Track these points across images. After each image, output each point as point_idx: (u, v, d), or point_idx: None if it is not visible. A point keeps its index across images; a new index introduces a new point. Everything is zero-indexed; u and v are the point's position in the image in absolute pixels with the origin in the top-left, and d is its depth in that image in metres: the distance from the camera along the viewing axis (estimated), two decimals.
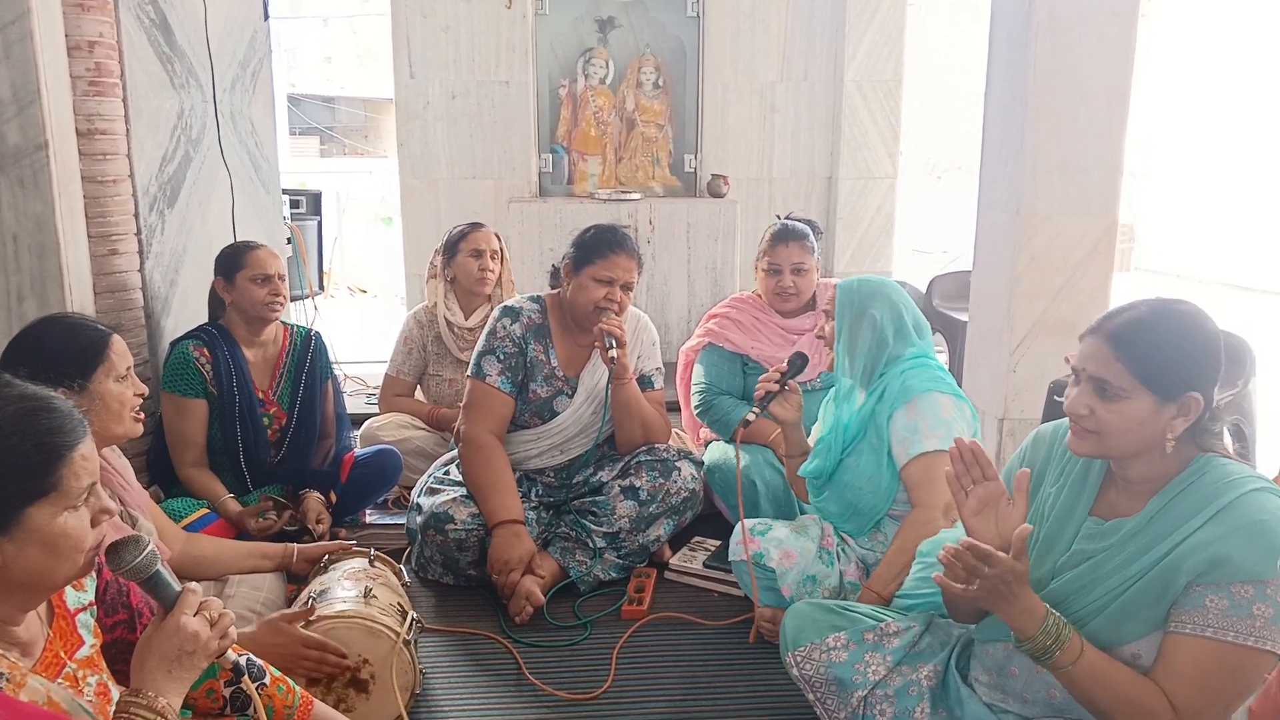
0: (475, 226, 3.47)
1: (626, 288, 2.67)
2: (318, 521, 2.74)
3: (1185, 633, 1.33)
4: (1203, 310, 1.43)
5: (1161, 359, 1.38)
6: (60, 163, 2.49)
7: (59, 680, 1.15)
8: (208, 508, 2.61)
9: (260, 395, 2.81)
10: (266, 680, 1.43)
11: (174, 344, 2.78)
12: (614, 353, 2.58)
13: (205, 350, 2.72)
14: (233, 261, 2.77)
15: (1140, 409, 1.38)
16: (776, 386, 2.31)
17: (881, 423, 2.21)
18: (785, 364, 2.35)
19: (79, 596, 1.27)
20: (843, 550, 2.31)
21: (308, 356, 2.90)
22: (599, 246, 2.65)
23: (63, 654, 1.19)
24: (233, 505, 2.64)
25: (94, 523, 1.16)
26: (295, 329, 2.96)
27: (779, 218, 3.15)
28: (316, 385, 2.90)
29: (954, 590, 1.43)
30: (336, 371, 3.18)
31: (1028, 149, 3.00)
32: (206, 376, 2.71)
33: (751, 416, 2.32)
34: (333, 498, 2.88)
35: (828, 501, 2.33)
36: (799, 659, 1.75)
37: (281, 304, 2.80)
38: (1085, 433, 1.44)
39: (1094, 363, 1.42)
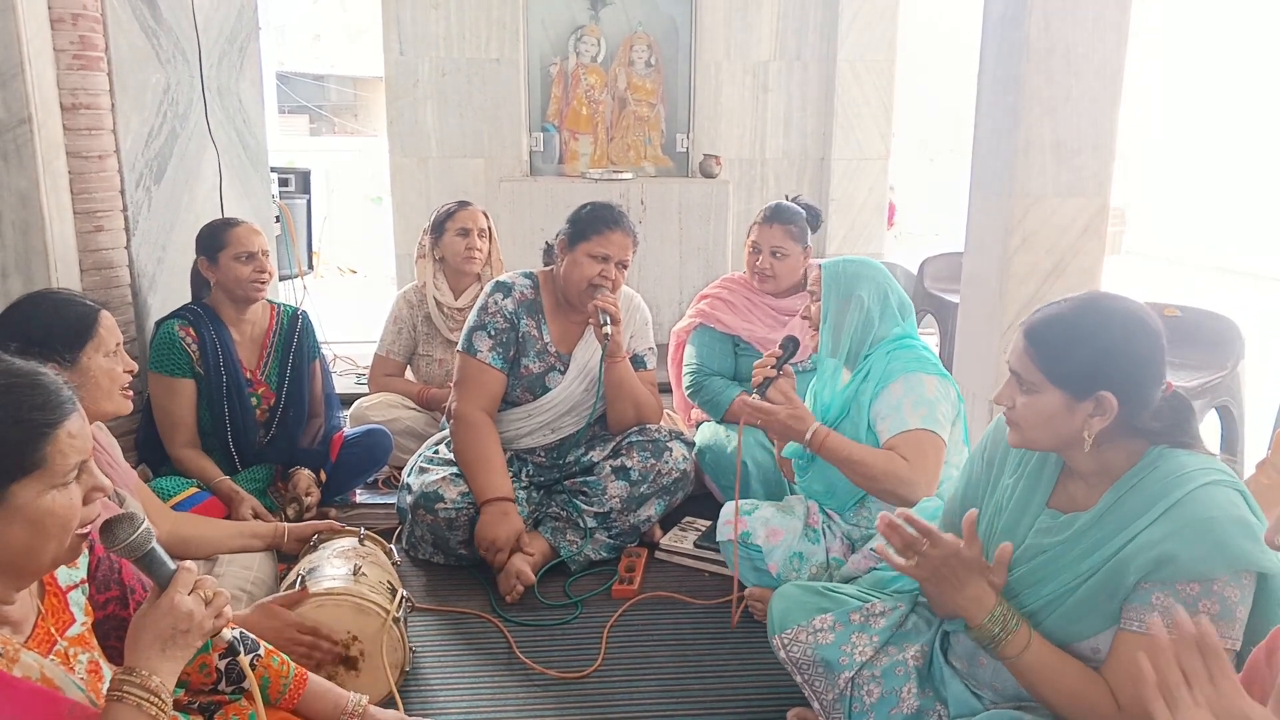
0: (462, 205, 3.45)
1: (621, 265, 2.66)
2: (306, 493, 2.73)
3: (1132, 629, 1.33)
4: (1138, 308, 1.41)
5: (1069, 357, 1.38)
6: (44, 137, 2.46)
7: (50, 657, 1.14)
8: (197, 486, 2.60)
9: (248, 375, 2.79)
10: (260, 653, 1.42)
11: (159, 324, 2.75)
12: (608, 329, 2.57)
13: (191, 330, 2.70)
14: (215, 240, 2.73)
15: (1050, 404, 1.40)
16: (774, 372, 2.29)
17: (864, 402, 2.21)
18: (780, 349, 2.33)
19: (71, 574, 1.27)
20: (828, 527, 2.31)
21: (294, 335, 2.88)
22: (594, 223, 2.64)
23: (54, 631, 1.18)
24: (227, 486, 2.63)
25: (86, 500, 1.15)
26: (282, 308, 2.93)
27: (786, 197, 3.13)
28: (304, 364, 2.88)
29: (894, 564, 1.43)
30: (325, 351, 3.16)
31: (1020, 129, 2.99)
32: (193, 356, 2.69)
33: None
34: (322, 476, 2.87)
35: (812, 480, 2.34)
36: (786, 641, 1.76)
37: (266, 281, 2.76)
38: (1011, 423, 1.47)
39: (1014, 356, 1.45)
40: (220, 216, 3.33)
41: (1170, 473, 1.37)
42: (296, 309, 2.95)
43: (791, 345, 2.33)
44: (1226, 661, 1.02)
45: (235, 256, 2.71)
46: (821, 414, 2.30)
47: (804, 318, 2.34)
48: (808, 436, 2.13)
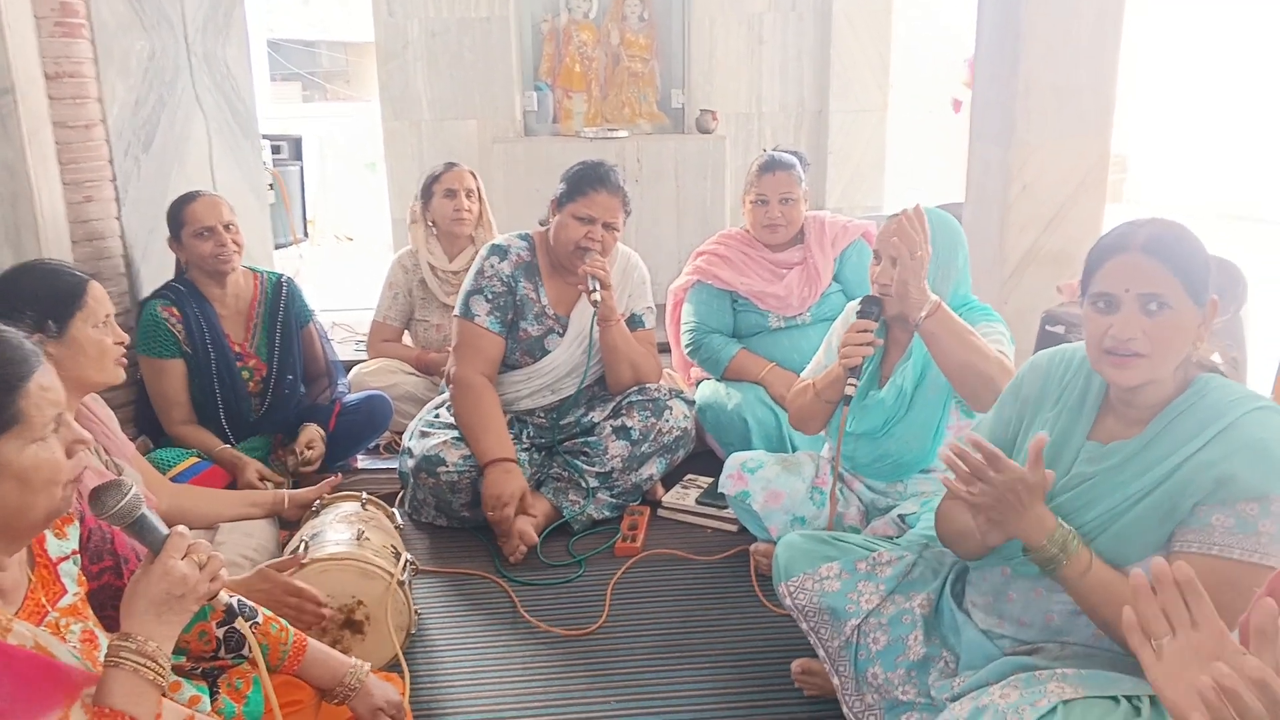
0: (448, 167, 3.41)
1: (609, 227, 2.62)
2: (309, 446, 2.72)
3: (1191, 551, 1.33)
4: None
5: (1195, 262, 1.37)
6: (28, 107, 2.43)
7: (41, 628, 1.14)
8: (198, 456, 2.59)
9: (237, 349, 2.75)
10: (259, 619, 1.42)
11: (143, 304, 2.72)
12: (597, 295, 2.54)
13: (174, 309, 2.66)
14: (174, 218, 2.68)
15: (1184, 318, 1.36)
16: (871, 351, 2.04)
17: (940, 373, 2.04)
18: (865, 317, 2.05)
19: (61, 545, 1.26)
20: (843, 491, 2.25)
21: (280, 303, 2.83)
22: (580, 183, 2.60)
23: (45, 602, 1.18)
24: (229, 454, 2.63)
25: (69, 453, 1.14)
26: (265, 276, 2.87)
27: (765, 150, 3.10)
28: (294, 332, 2.85)
29: (958, 492, 1.41)
30: (324, 318, 3.13)
31: (1020, 74, 2.94)
32: (179, 336, 2.65)
33: (851, 391, 2.03)
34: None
35: (864, 448, 2.19)
36: (792, 589, 1.76)
37: (233, 254, 2.69)
38: (1134, 359, 1.38)
39: (1141, 279, 1.36)
40: (213, 184, 3.30)
41: (1220, 399, 1.36)
42: (280, 276, 2.90)
43: (876, 308, 2.05)
44: (1209, 604, 1.02)
45: (195, 234, 2.65)
46: (890, 389, 2.13)
47: (881, 283, 2.03)
48: (924, 312, 1.92)
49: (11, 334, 1.12)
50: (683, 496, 2.72)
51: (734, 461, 2.33)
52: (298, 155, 5.27)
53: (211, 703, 1.39)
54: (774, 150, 3.04)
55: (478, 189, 3.44)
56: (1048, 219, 3.07)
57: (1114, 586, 1.36)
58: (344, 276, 6.73)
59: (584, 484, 2.63)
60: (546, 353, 2.71)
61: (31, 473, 1.09)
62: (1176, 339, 1.37)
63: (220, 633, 1.42)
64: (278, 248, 4.45)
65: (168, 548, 1.19)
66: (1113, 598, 1.35)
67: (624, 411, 2.71)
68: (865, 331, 2.02)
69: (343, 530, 2.03)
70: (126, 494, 1.18)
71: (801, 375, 2.32)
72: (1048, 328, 2.94)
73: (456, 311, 2.70)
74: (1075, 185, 3.07)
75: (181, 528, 1.23)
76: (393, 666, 1.89)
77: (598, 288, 2.54)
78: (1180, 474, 1.35)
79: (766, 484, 2.26)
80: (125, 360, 1.96)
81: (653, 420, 2.68)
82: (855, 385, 2.04)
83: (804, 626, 1.75)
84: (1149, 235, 1.38)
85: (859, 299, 2.12)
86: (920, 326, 1.96)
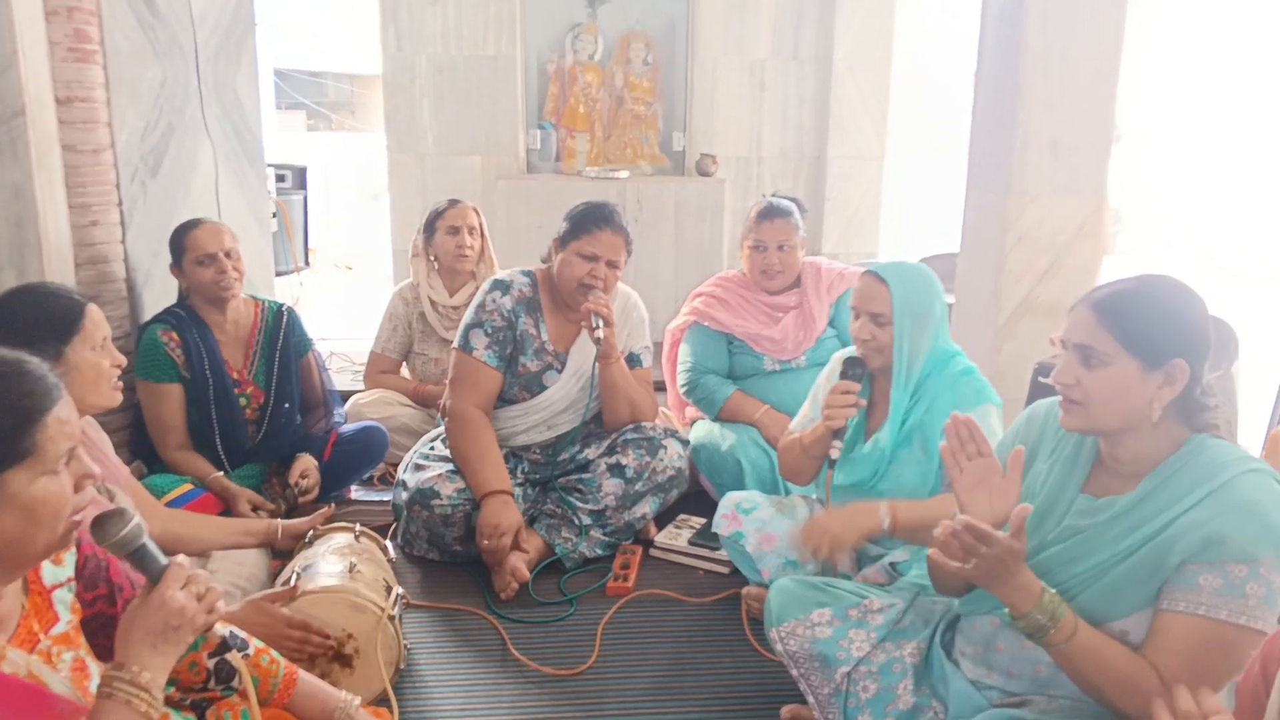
0: (452, 203, 3.44)
1: (612, 265, 2.65)
2: (303, 476, 2.71)
3: (1178, 610, 1.33)
4: (1191, 287, 1.43)
5: (1145, 324, 1.38)
6: (38, 130, 2.45)
7: (33, 655, 1.14)
8: (192, 483, 2.58)
9: (235, 375, 2.76)
10: (250, 651, 1.42)
11: (142, 328, 2.72)
12: (599, 332, 2.56)
13: (174, 334, 2.67)
14: (176, 245, 2.70)
15: (1123, 375, 1.38)
16: (855, 412, 2.08)
17: (931, 434, 2.07)
18: (848, 377, 2.10)
19: (56, 572, 1.26)
20: None
21: (280, 332, 2.84)
22: (585, 222, 2.64)
23: (37, 629, 1.17)
24: (221, 483, 2.62)
25: (77, 487, 1.14)
26: (266, 305, 2.89)
27: (764, 196, 3.14)
28: (292, 361, 2.85)
29: (949, 569, 1.43)
30: (321, 348, 3.14)
31: (1018, 128, 2.99)
32: (178, 361, 2.66)
33: (835, 454, 2.09)
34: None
35: (846, 501, 2.18)
36: (783, 635, 1.76)
37: (234, 281, 2.70)
38: (1072, 404, 1.45)
39: (1079, 331, 1.43)
40: (218, 211, 3.33)
41: (1213, 460, 1.38)
42: (281, 305, 2.92)
43: (859, 369, 2.11)
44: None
45: (196, 261, 2.67)
46: (874, 446, 2.15)
47: (862, 339, 2.10)
48: (885, 524, 1.97)
49: (35, 365, 1.13)
50: (675, 537, 2.72)
51: (729, 501, 2.34)
52: (302, 184, 5.31)
53: None
54: (773, 196, 3.08)
55: (480, 226, 3.47)
56: (1043, 270, 3.11)
57: (1097, 649, 1.37)
58: (343, 306, 6.74)
59: (577, 521, 2.63)
60: (544, 389, 2.72)
61: (39, 505, 1.09)
62: (1114, 394, 1.40)
63: (211, 664, 1.41)
64: (279, 275, 4.47)
65: (167, 578, 1.19)
66: (1096, 660, 1.36)
67: (619, 449, 2.71)
68: (848, 394, 2.07)
69: (335, 562, 2.02)
70: (129, 523, 1.18)
71: (789, 427, 2.34)
72: (1040, 379, 2.96)
73: (455, 344, 2.71)
74: (1071, 236, 3.11)
75: (181, 558, 1.23)
76: (381, 701, 1.88)
77: (601, 324, 2.56)
78: (1169, 531, 1.36)
79: (761, 525, 2.26)
80: (121, 384, 1.96)
81: (647, 459, 2.68)
82: (839, 447, 2.08)
83: (794, 673, 1.74)
84: (1107, 293, 1.43)
85: (843, 353, 2.16)
86: (890, 532, 1.99)
